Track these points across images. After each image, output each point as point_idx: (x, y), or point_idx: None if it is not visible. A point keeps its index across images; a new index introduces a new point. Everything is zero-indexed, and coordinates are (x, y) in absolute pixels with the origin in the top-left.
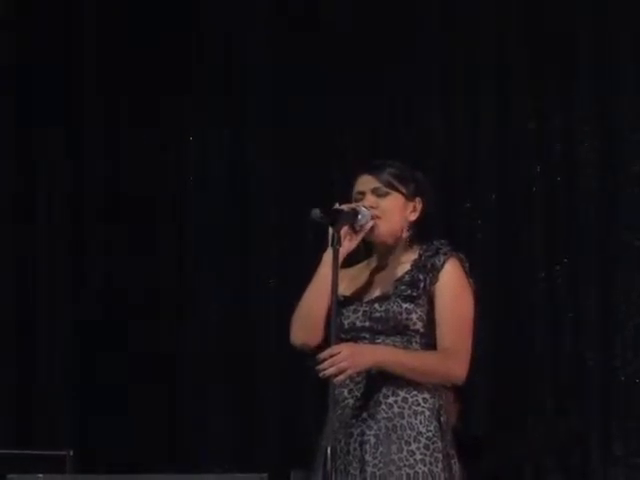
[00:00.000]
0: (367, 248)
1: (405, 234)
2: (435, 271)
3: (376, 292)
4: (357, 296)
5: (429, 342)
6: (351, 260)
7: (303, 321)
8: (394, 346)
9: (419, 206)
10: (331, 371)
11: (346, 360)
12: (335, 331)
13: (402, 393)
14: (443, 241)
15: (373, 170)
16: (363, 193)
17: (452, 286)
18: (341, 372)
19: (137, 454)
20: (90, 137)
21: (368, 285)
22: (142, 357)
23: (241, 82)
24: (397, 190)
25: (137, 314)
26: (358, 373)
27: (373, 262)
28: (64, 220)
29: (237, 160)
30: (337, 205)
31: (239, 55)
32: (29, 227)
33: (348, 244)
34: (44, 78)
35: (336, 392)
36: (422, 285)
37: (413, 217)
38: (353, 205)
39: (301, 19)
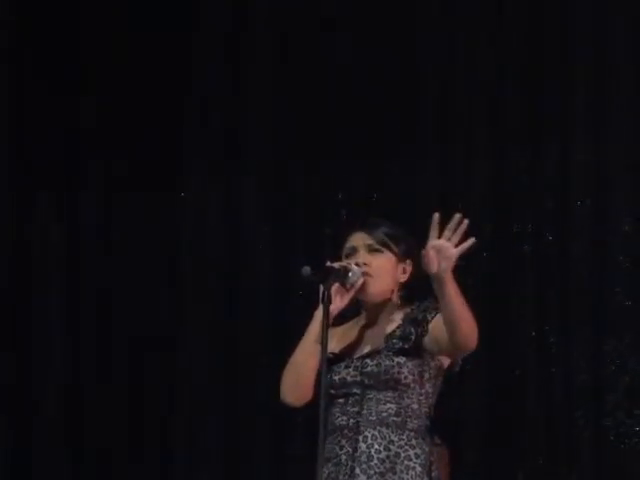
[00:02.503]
0: (356, 307)
1: (395, 295)
2: (425, 323)
3: (367, 348)
4: (347, 353)
5: (420, 397)
6: (342, 318)
7: (293, 380)
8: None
9: (409, 268)
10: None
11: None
12: (325, 387)
13: (394, 448)
14: (432, 299)
15: (367, 227)
16: (356, 249)
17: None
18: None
19: None
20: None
21: (358, 342)
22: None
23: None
24: (390, 249)
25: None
26: (349, 428)
27: (362, 320)
28: None
29: (229, 219)
30: (328, 263)
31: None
32: None
33: (339, 302)
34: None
35: (327, 449)
36: (413, 338)
37: (403, 279)
38: (344, 263)
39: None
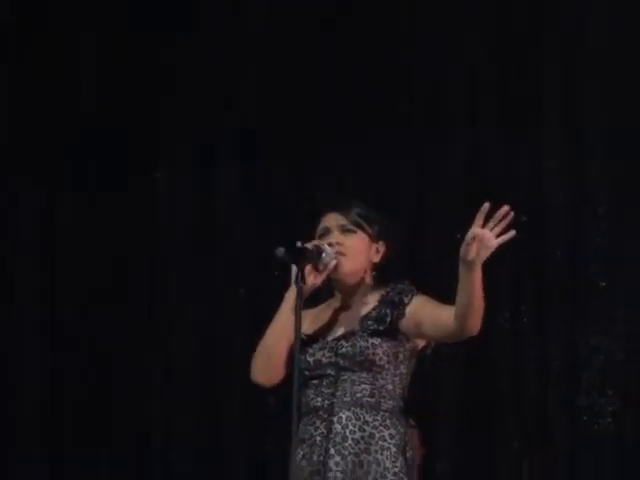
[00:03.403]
0: (329, 288)
1: (368, 276)
2: (402, 306)
3: (341, 330)
4: (321, 334)
5: (394, 379)
6: (316, 300)
7: (264, 361)
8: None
9: (382, 249)
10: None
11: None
12: (298, 368)
13: (369, 429)
14: (407, 282)
15: (341, 208)
16: (329, 229)
17: (423, 302)
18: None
19: None
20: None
21: (332, 324)
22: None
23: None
24: (363, 229)
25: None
26: (324, 409)
27: (335, 302)
28: None
29: (204, 197)
30: (299, 243)
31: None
32: None
33: (312, 280)
34: None
35: (301, 430)
36: (389, 320)
37: (376, 259)
38: (317, 242)
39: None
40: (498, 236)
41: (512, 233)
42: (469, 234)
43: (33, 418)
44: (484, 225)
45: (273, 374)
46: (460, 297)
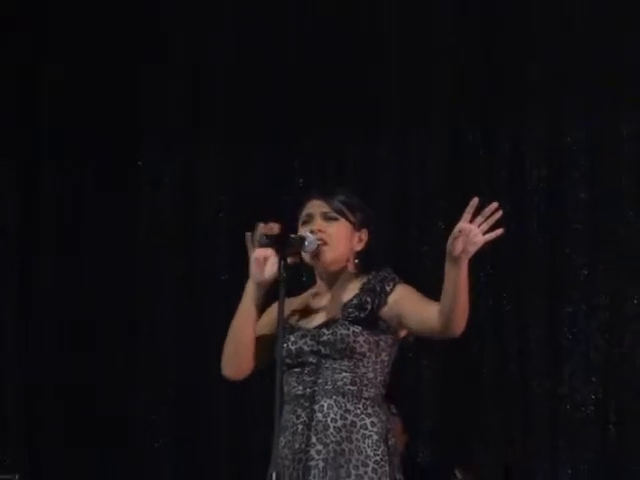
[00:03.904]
0: (312, 276)
1: (350, 264)
2: (384, 294)
3: (323, 317)
4: (303, 322)
5: (377, 365)
6: (299, 286)
7: (231, 353)
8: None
9: (365, 237)
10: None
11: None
12: (280, 356)
13: (350, 417)
14: (389, 269)
15: (325, 195)
16: (312, 216)
17: (406, 292)
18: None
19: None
20: None
21: (313, 312)
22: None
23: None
24: (346, 217)
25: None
26: (306, 397)
27: (317, 289)
28: None
29: (186, 183)
30: (275, 229)
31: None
32: None
33: (270, 268)
34: None
35: (284, 418)
36: (369, 307)
37: (359, 247)
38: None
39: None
40: (485, 233)
41: (500, 231)
42: (456, 228)
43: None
44: (472, 220)
45: (242, 366)
46: (445, 296)
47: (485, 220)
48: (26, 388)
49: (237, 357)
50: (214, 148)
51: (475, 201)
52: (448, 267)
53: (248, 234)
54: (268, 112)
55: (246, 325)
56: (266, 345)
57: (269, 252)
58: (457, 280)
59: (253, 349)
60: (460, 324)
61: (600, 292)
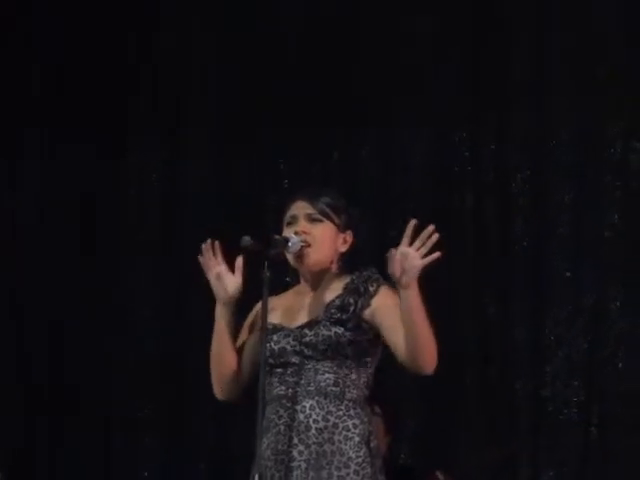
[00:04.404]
0: (296, 275)
1: (334, 265)
2: (367, 296)
3: (305, 318)
4: (286, 322)
5: (359, 367)
6: (284, 285)
7: (219, 381)
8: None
9: (349, 239)
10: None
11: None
12: (264, 357)
13: (332, 419)
14: (374, 269)
15: (309, 196)
16: (296, 218)
17: (390, 302)
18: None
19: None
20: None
21: (297, 311)
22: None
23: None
24: (330, 219)
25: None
26: (288, 398)
27: (301, 289)
28: None
29: (171, 183)
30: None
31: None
32: None
33: (230, 283)
34: None
35: (266, 418)
36: (352, 309)
37: (343, 249)
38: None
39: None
40: (425, 257)
41: (437, 254)
42: (395, 251)
43: None
44: (411, 244)
45: (233, 392)
46: (404, 331)
47: (423, 244)
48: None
49: (225, 383)
50: (198, 149)
51: (413, 223)
52: (400, 296)
53: (200, 257)
54: (253, 112)
55: (225, 350)
56: (253, 350)
57: (221, 268)
58: (409, 309)
59: (238, 370)
60: (427, 360)
61: (583, 295)
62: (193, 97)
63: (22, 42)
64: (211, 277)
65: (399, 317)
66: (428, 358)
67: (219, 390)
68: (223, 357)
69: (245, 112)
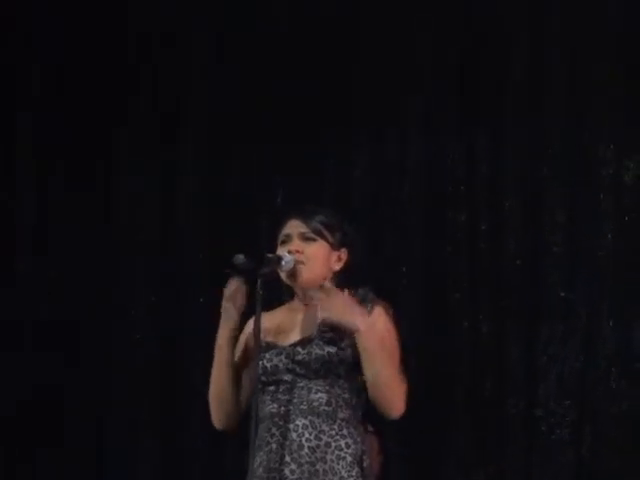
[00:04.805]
0: (289, 291)
1: (328, 283)
2: None
3: (298, 335)
4: (279, 340)
5: (352, 386)
6: (279, 299)
7: (217, 410)
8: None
9: (344, 256)
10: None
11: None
12: (257, 375)
13: (325, 438)
14: (367, 288)
15: (303, 215)
16: (289, 236)
17: (380, 330)
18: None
19: None
20: None
21: (289, 329)
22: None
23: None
24: (324, 238)
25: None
26: (280, 416)
27: (294, 306)
28: None
29: (166, 203)
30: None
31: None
32: None
33: (240, 301)
34: None
35: (259, 437)
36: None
37: (337, 267)
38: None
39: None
40: None
41: None
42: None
43: None
44: None
45: (232, 421)
46: (365, 374)
47: None
48: None
49: (225, 415)
50: (190, 165)
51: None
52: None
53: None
54: (247, 127)
55: (228, 386)
56: (251, 372)
57: (238, 283)
58: (363, 351)
59: (238, 401)
60: (390, 405)
61: (577, 314)
62: (193, 97)
63: (22, 42)
64: (227, 293)
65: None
66: (392, 404)
67: (218, 421)
68: (227, 393)
69: (238, 128)
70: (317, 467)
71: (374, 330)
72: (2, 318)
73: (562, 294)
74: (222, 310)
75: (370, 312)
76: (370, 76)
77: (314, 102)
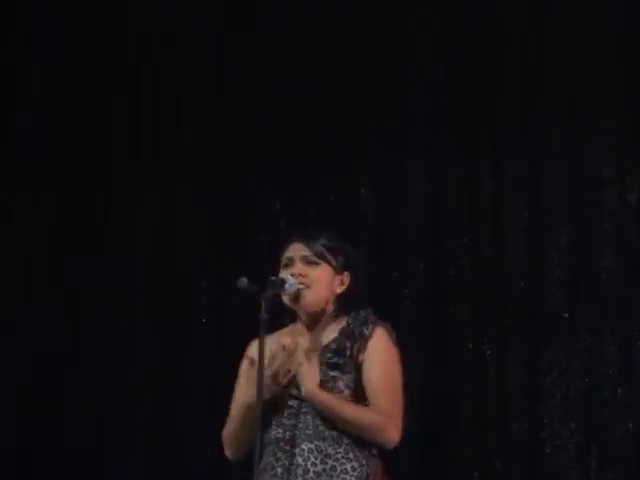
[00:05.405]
0: (292, 314)
1: (331, 306)
2: (362, 340)
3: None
4: None
5: None
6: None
7: (236, 448)
8: (322, 414)
9: (347, 280)
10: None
11: (306, 370)
12: (261, 401)
13: (330, 462)
14: (369, 310)
15: (306, 238)
16: (292, 259)
17: (381, 354)
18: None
19: None
20: None
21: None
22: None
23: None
24: (327, 261)
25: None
26: (286, 441)
27: (297, 330)
28: None
29: (167, 225)
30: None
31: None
32: None
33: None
34: None
35: (264, 461)
36: (348, 353)
37: (340, 290)
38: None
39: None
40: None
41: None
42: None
43: None
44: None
45: (245, 451)
46: None
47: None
48: None
49: (242, 450)
50: (191, 186)
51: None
52: None
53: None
54: (251, 151)
55: (249, 431)
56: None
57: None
58: (329, 414)
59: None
60: (377, 441)
61: (580, 336)
62: (193, 97)
63: (22, 42)
64: (268, 374)
65: (376, 379)
66: (378, 440)
67: (232, 454)
68: (246, 437)
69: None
70: None
71: (317, 397)
72: None
73: (565, 315)
74: (245, 373)
75: (371, 335)
76: (370, 76)
77: (314, 102)
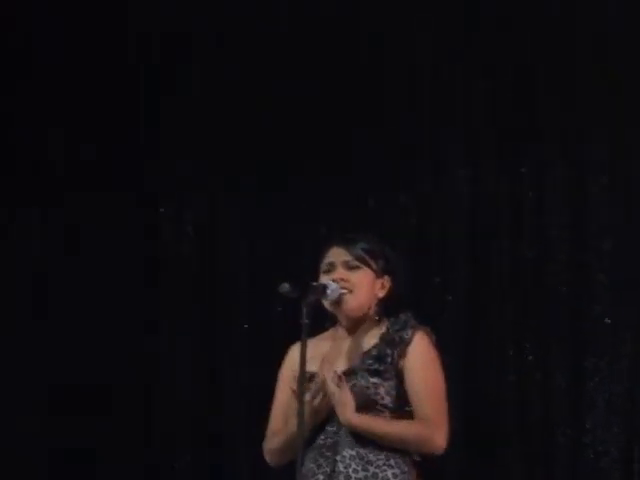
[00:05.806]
0: (333, 318)
1: (372, 310)
2: (403, 345)
3: (342, 365)
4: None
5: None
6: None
7: (279, 458)
8: None
9: (388, 284)
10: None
11: (338, 399)
12: (302, 407)
13: (372, 468)
14: (409, 314)
15: (346, 243)
16: (333, 264)
17: (422, 359)
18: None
19: None
20: None
21: (334, 359)
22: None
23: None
24: (368, 265)
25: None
26: (327, 447)
27: (338, 333)
28: None
29: (208, 234)
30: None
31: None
32: None
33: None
34: None
35: (305, 467)
36: (389, 359)
37: (381, 294)
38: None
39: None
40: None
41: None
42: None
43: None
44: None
45: (288, 460)
46: None
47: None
48: None
49: (285, 457)
50: (234, 195)
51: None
52: None
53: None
54: (291, 160)
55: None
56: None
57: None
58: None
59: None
60: (423, 452)
61: (623, 341)
62: (193, 97)
63: (22, 42)
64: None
65: (419, 384)
66: (425, 450)
67: (275, 464)
68: (291, 453)
69: (282, 155)
70: None
71: (357, 426)
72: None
73: (608, 320)
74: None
75: (411, 339)
76: (370, 76)
77: (314, 102)
